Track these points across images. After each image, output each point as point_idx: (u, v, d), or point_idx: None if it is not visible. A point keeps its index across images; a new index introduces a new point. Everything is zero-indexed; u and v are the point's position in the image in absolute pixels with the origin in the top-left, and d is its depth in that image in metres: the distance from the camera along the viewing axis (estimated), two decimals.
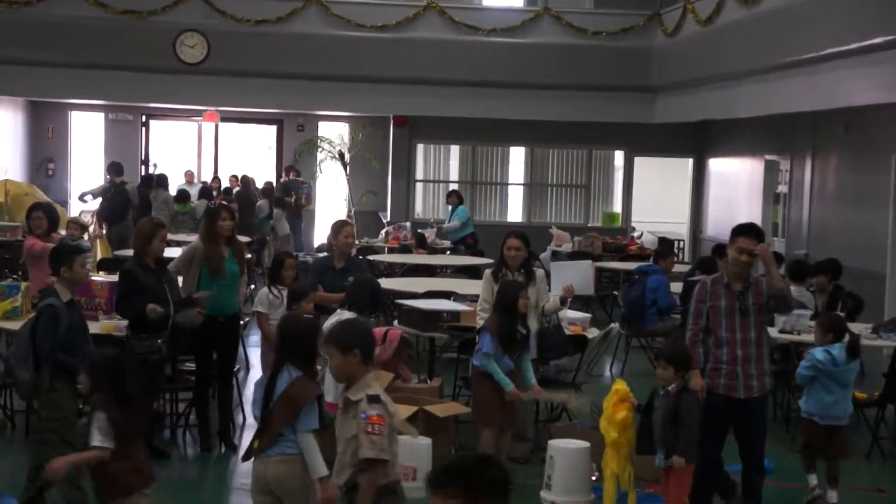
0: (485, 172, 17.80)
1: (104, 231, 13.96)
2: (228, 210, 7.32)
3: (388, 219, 16.64)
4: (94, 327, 6.37)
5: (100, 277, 8.15)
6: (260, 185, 16.47)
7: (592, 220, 17.59)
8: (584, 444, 6.11)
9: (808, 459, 6.32)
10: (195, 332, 6.69)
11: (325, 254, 9.04)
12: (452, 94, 15.36)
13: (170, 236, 9.90)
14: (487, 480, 2.35)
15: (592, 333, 7.74)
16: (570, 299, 7.02)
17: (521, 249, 6.79)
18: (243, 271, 7.32)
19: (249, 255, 10.48)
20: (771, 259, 5.78)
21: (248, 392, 8.26)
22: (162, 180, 14.91)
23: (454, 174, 17.92)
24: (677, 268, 11.13)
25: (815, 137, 12.99)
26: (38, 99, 17.01)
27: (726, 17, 12.54)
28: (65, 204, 16.73)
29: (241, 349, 8.00)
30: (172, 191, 15.09)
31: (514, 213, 17.90)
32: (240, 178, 16.37)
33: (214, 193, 15.60)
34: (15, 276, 9.12)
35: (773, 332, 7.44)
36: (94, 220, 14.27)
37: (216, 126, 18.23)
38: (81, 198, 14.82)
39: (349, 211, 17.11)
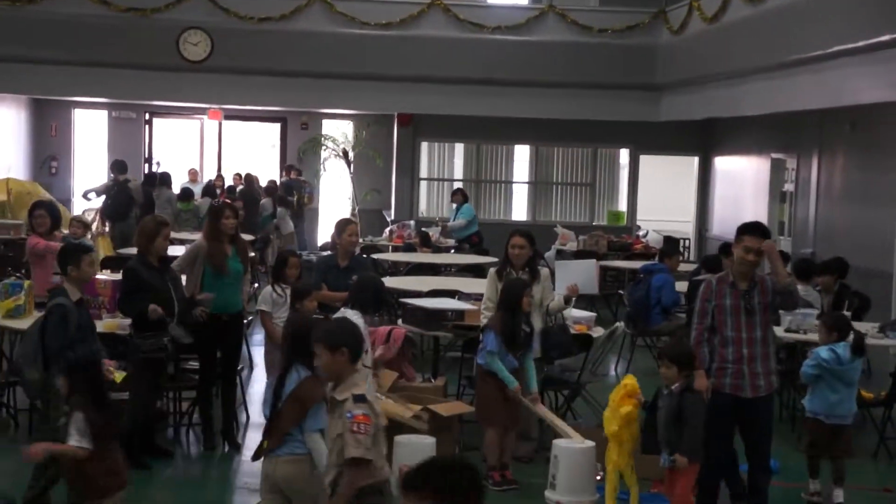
0: (489, 171, 17.77)
1: (107, 229, 13.94)
2: (232, 208, 7.30)
3: (392, 217, 16.61)
4: (97, 326, 6.34)
5: (103, 276, 8.12)
6: (263, 183, 16.44)
7: (597, 218, 17.55)
8: (589, 443, 6.09)
9: (814, 459, 6.30)
10: (199, 331, 6.67)
11: (329, 252, 9.01)
12: (457, 92, 15.33)
13: (173, 234, 9.89)
14: (458, 483, 2.34)
15: (597, 332, 7.71)
16: (574, 298, 6.98)
17: (526, 248, 6.77)
18: (247, 270, 7.30)
19: (253, 254, 10.45)
20: (777, 255, 5.76)
21: (252, 391, 8.24)
22: (165, 178, 14.90)
23: (458, 172, 17.89)
24: (683, 267, 11.09)
25: (821, 135, 12.95)
26: (42, 97, 17.00)
27: (732, 15, 12.50)
28: (68, 202, 16.73)
29: (244, 348, 7.97)
30: (176, 189, 15.07)
31: (519, 211, 17.86)
32: (243, 176, 16.34)
33: (218, 191, 15.58)
34: (18, 275, 9.09)
35: (779, 331, 7.41)
36: (98, 217, 14.25)
37: (220, 124, 18.21)
38: (85, 195, 14.82)
39: (353, 209, 17.08)
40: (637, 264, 11.63)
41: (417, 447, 6.13)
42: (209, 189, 15.55)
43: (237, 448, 6.94)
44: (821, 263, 9.24)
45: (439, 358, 7.91)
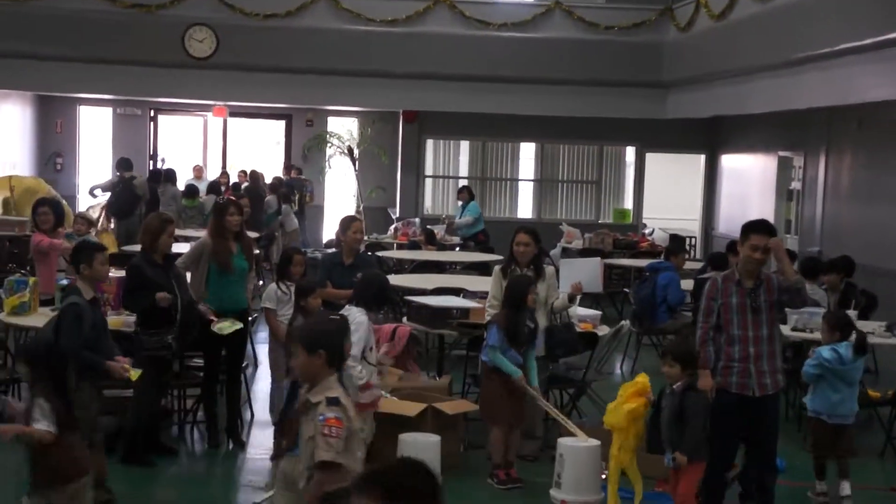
0: (495, 168, 17.73)
1: (112, 225, 13.94)
2: (236, 205, 7.28)
3: (398, 215, 16.58)
4: None
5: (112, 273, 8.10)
6: (269, 180, 16.41)
7: (603, 216, 17.51)
8: (594, 442, 6.07)
9: (820, 459, 6.29)
10: (203, 329, 6.66)
11: (334, 250, 8.99)
12: (462, 89, 15.30)
13: (178, 231, 9.88)
14: (410, 487, 2.30)
15: (603, 331, 7.69)
16: (579, 297, 6.94)
17: (531, 245, 6.74)
18: (252, 267, 7.28)
19: (258, 251, 10.44)
20: (784, 253, 5.73)
21: (256, 388, 8.23)
22: (170, 175, 14.89)
23: (464, 170, 17.85)
24: (689, 265, 11.05)
25: (828, 134, 12.89)
26: (47, 93, 17.00)
27: (739, 12, 12.45)
28: (73, 198, 16.73)
29: (249, 345, 7.96)
30: (181, 185, 15.06)
31: (525, 209, 17.82)
32: (248, 173, 16.32)
33: (223, 189, 15.56)
34: (23, 272, 9.10)
35: (785, 329, 7.37)
36: (104, 214, 14.26)
37: (224, 121, 18.20)
38: (91, 192, 14.83)
39: (358, 206, 17.06)
40: (643, 262, 11.60)
41: (422, 445, 6.12)
42: (214, 186, 15.53)
43: (241, 446, 6.92)
44: (827, 262, 9.20)
45: (444, 356, 7.90)
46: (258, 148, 18.68)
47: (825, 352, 6.19)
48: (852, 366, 6.20)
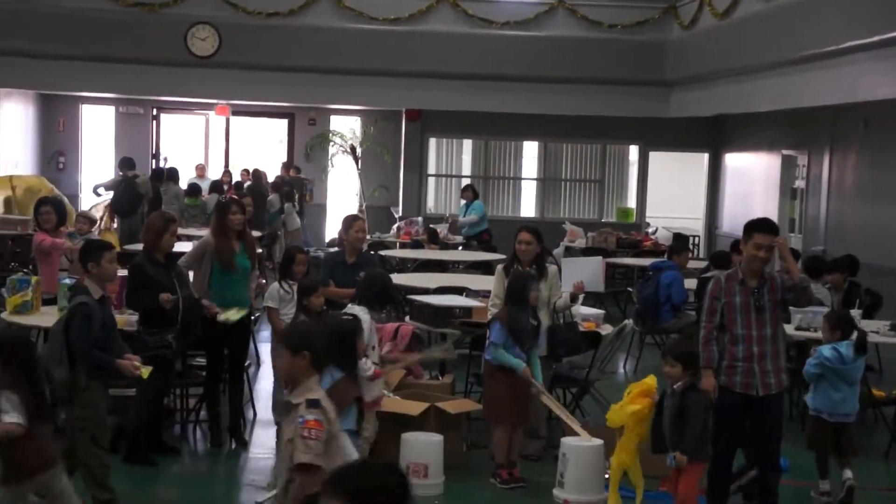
0: (498, 167, 17.71)
1: (115, 224, 13.94)
2: (239, 204, 7.27)
3: (400, 214, 16.57)
4: None
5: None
6: (271, 179, 16.40)
7: (606, 215, 17.48)
8: (598, 441, 6.05)
9: (823, 458, 6.28)
10: (206, 328, 6.65)
11: (337, 249, 8.97)
12: (465, 87, 15.28)
13: (180, 230, 9.88)
14: (377, 488, 2.29)
15: (606, 330, 7.67)
16: (581, 296, 6.92)
17: (533, 243, 6.73)
18: (254, 266, 7.27)
19: (260, 250, 10.43)
20: (789, 252, 5.72)
21: (259, 387, 8.21)
22: (172, 174, 14.88)
23: (467, 169, 17.83)
24: (692, 264, 11.03)
25: (833, 132, 12.85)
26: (49, 92, 17.00)
27: (743, 10, 12.42)
28: (75, 197, 16.73)
29: (251, 344, 7.94)
30: (183, 184, 15.06)
31: (528, 208, 17.80)
32: (251, 172, 16.31)
33: (225, 187, 15.55)
34: (25, 270, 9.09)
35: (789, 329, 7.34)
36: (108, 212, 14.26)
37: (227, 119, 18.19)
38: (95, 190, 14.83)
39: (361, 205, 17.05)
40: (646, 261, 11.58)
41: (425, 444, 6.11)
42: (216, 185, 15.52)
43: (244, 445, 6.91)
44: (831, 261, 9.18)
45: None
46: (261, 147, 18.66)
47: (826, 351, 6.20)
48: (853, 365, 6.21)
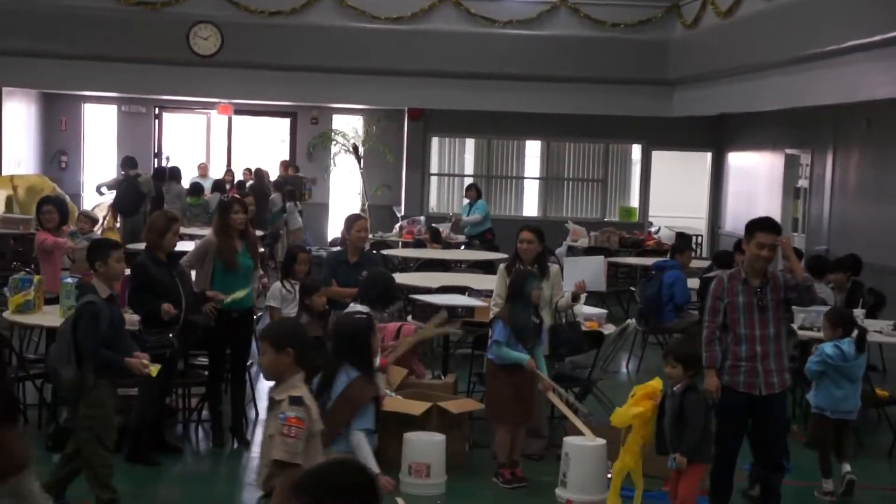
0: (500, 166, 17.69)
1: (118, 224, 13.94)
2: (241, 203, 7.26)
3: (403, 213, 16.56)
4: None
5: None
6: (273, 178, 16.39)
7: (609, 214, 17.46)
8: (600, 441, 6.04)
9: (826, 458, 6.28)
10: (208, 327, 6.64)
11: (339, 248, 8.96)
12: (468, 86, 15.27)
13: (183, 230, 9.88)
14: (343, 488, 2.27)
15: (608, 329, 7.66)
16: (584, 295, 6.90)
17: (534, 242, 6.71)
18: (257, 265, 7.26)
19: (262, 249, 10.42)
20: (792, 251, 5.70)
21: (261, 387, 8.20)
22: (175, 173, 14.88)
23: (469, 168, 17.81)
24: (695, 263, 11.01)
25: (836, 131, 12.83)
26: (51, 91, 17.01)
27: (746, 9, 12.39)
28: (77, 196, 16.73)
29: (253, 344, 7.93)
30: (185, 183, 15.05)
31: (530, 207, 17.78)
32: (253, 171, 16.30)
33: (227, 187, 15.55)
34: (28, 270, 9.09)
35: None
36: (111, 212, 14.27)
37: (229, 119, 18.19)
38: (98, 190, 14.84)
39: (363, 205, 17.03)
40: (649, 261, 11.56)
41: (427, 444, 6.10)
42: (219, 184, 15.52)
43: (246, 444, 6.90)
44: (834, 260, 9.16)
45: (449, 355, 7.87)
46: (263, 146, 18.65)
47: (828, 348, 6.21)
48: (855, 362, 6.23)
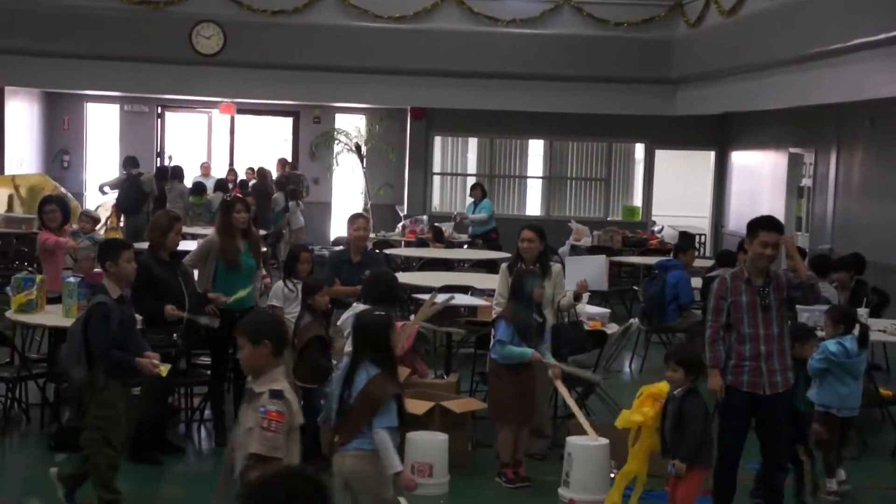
0: (503, 165, 17.67)
1: (121, 223, 13.94)
2: (243, 202, 7.25)
3: (405, 212, 16.54)
4: None
5: None
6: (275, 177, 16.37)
7: (612, 213, 17.43)
8: (603, 440, 6.02)
9: (829, 457, 6.26)
10: (209, 328, 6.62)
11: (342, 247, 8.95)
12: (471, 85, 15.25)
13: (185, 229, 9.86)
14: (290, 500, 2.25)
15: (611, 329, 7.64)
16: (586, 295, 6.88)
17: (535, 241, 6.70)
18: (259, 265, 7.25)
19: (265, 249, 10.41)
20: (795, 249, 5.68)
21: None
22: (177, 172, 14.88)
23: (472, 167, 17.80)
24: (698, 262, 10.99)
25: (840, 130, 12.80)
26: (54, 90, 17.01)
27: (750, 8, 12.36)
28: (80, 196, 16.74)
29: None
30: (188, 183, 15.05)
31: (533, 206, 17.76)
32: (256, 170, 16.30)
33: (230, 186, 15.55)
34: (30, 269, 9.09)
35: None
36: (114, 211, 14.27)
37: (232, 118, 18.18)
38: (101, 189, 14.84)
39: (366, 204, 17.03)
40: (652, 260, 11.54)
41: (429, 443, 6.09)
42: (221, 183, 15.51)
43: None
44: (837, 259, 9.13)
45: (452, 354, 7.85)
46: (265, 145, 18.65)
47: (831, 345, 6.19)
48: (858, 358, 6.24)
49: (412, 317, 7.73)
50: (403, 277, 9.26)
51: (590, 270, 7.27)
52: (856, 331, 6.29)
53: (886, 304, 9.02)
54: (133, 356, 5.32)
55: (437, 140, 17.49)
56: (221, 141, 18.59)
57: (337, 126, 17.80)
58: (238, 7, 14.88)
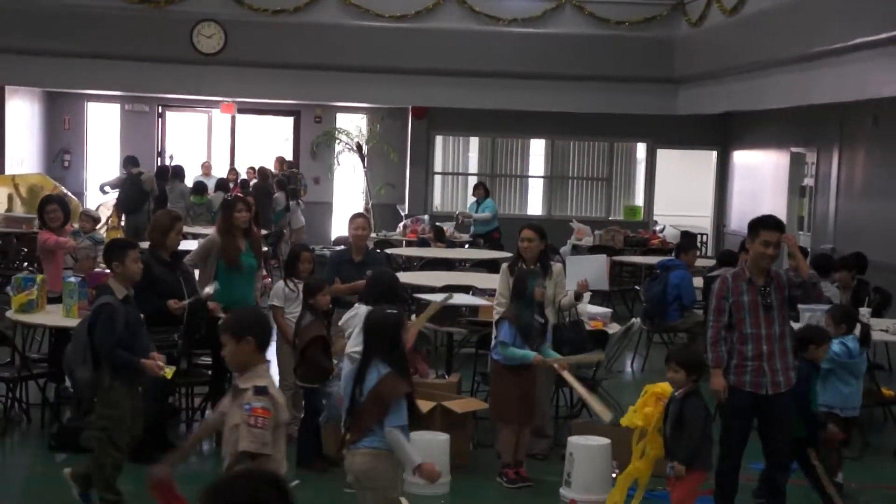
0: (504, 165, 17.66)
1: (122, 222, 13.94)
2: (245, 202, 7.24)
3: (406, 212, 16.53)
4: None
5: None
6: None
7: (614, 213, 17.42)
8: (605, 440, 6.02)
9: (832, 456, 6.20)
10: (211, 326, 6.61)
11: (343, 247, 8.94)
12: (472, 85, 15.24)
13: (186, 228, 9.86)
14: (252, 500, 2.23)
15: (613, 329, 7.63)
16: (587, 294, 6.87)
17: (535, 241, 6.69)
18: (260, 265, 7.24)
19: (266, 248, 10.40)
20: (797, 248, 5.67)
21: None
22: (178, 172, 14.87)
23: (473, 167, 17.78)
24: (700, 262, 10.97)
25: (842, 130, 12.78)
26: (55, 89, 17.00)
27: (752, 7, 12.34)
28: (81, 195, 16.73)
29: None
30: (189, 182, 15.04)
31: (535, 206, 17.74)
32: (257, 170, 16.28)
33: (231, 185, 15.54)
34: (31, 269, 9.08)
35: (797, 328, 7.28)
36: (115, 210, 14.26)
37: (232, 117, 18.17)
38: (102, 188, 14.84)
39: (367, 203, 17.02)
40: (654, 259, 11.53)
41: (431, 443, 6.07)
42: (222, 183, 15.51)
43: None
44: (839, 259, 9.12)
45: (453, 354, 7.84)
46: (266, 145, 18.63)
47: (834, 346, 6.19)
48: (860, 358, 6.25)
49: (413, 317, 7.73)
50: (404, 277, 9.25)
51: (590, 270, 7.26)
52: (857, 330, 6.27)
53: (888, 304, 9.00)
54: (138, 357, 5.31)
55: (439, 139, 17.48)
56: (222, 140, 18.58)
57: (338, 125, 17.79)
58: (239, 6, 14.88)
